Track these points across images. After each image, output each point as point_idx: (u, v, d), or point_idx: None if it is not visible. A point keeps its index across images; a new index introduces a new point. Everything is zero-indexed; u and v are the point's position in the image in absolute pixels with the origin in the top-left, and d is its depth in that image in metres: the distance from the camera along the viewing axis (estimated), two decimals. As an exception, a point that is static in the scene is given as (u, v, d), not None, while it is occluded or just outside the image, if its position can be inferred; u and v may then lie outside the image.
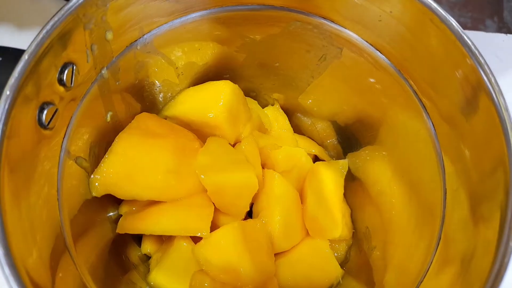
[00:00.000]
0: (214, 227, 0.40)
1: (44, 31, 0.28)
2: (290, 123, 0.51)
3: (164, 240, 0.43)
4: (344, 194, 0.47)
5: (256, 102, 0.49)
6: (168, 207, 0.40)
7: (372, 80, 0.40)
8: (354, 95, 0.44)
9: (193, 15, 0.38)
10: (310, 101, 0.48)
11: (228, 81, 0.44)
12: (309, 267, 0.44)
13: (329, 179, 0.46)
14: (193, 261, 0.40)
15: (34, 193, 0.30)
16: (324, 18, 0.38)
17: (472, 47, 0.31)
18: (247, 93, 0.47)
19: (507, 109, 0.29)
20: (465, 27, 0.32)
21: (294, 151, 0.47)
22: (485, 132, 0.31)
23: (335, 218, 0.44)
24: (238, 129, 0.44)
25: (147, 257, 0.45)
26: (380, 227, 0.45)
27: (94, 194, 0.38)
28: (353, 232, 0.47)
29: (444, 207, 0.35)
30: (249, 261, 0.39)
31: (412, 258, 0.38)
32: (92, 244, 0.38)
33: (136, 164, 0.38)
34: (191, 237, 0.40)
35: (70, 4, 0.29)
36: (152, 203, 0.40)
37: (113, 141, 0.40)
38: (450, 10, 0.31)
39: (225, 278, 0.38)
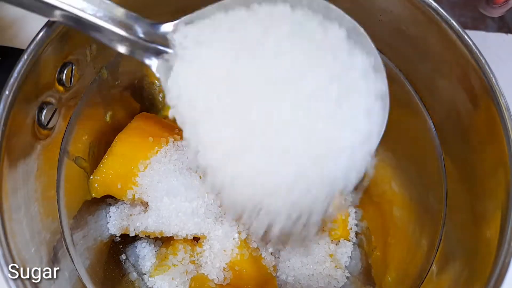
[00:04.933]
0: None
1: (44, 31, 0.28)
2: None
3: (164, 241, 0.43)
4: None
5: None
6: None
7: (372, 79, 0.40)
8: (354, 95, 0.44)
9: (193, 14, 0.38)
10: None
11: (228, 81, 0.43)
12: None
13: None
14: (193, 262, 0.40)
15: (34, 193, 0.30)
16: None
17: (473, 47, 0.30)
18: (247, 93, 0.47)
19: (508, 109, 0.29)
20: (465, 26, 0.32)
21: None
22: (486, 132, 0.31)
23: (336, 219, 0.44)
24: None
25: (147, 258, 0.45)
26: (381, 227, 0.44)
27: (93, 195, 0.38)
28: (353, 232, 0.47)
29: (445, 207, 0.35)
30: (249, 261, 0.39)
31: (413, 259, 0.38)
32: (92, 244, 0.38)
33: (136, 165, 0.38)
34: (192, 238, 0.40)
35: (70, 3, 0.29)
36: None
37: (112, 141, 0.39)
38: (450, 10, 0.31)
39: (226, 278, 0.38)
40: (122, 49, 0.28)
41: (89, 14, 0.26)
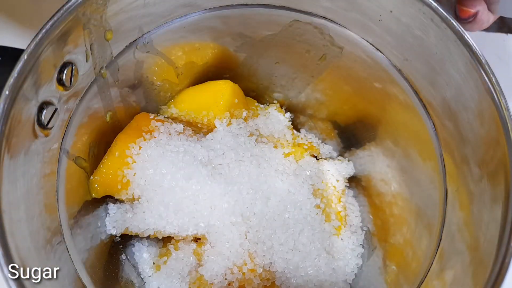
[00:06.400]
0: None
1: (44, 30, 0.28)
2: (290, 123, 0.51)
3: (164, 241, 0.43)
4: (345, 194, 0.47)
5: (256, 102, 0.49)
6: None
7: (372, 79, 0.40)
8: (354, 95, 0.44)
9: (193, 14, 0.38)
10: (310, 101, 0.48)
11: (228, 81, 0.43)
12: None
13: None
14: (194, 263, 0.40)
15: (33, 194, 0.30)
16: (324, 18, 0.38)
17: (473, 46, 0.30)
18: (247, 93, 0.47)
19: (508, 109, 0.29)
20: (465, 26, 0.32)
21: (294, 151, 0.47)
22: (486, 132, 0.31)
23: (337, 218, 0.44)
24: (237, 129, 0.44)
25: (147, 259, 0.45)
26: (380, 227, 0.44)
27: (94, 195, 0.38)
28: (354, 232, 0.47)
29: (445, 207, 0.35)
30: (250, 263, 0.39)
31: (413, 258, 0.38)
32: (92, 244, 0.38)
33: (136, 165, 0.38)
34: (192, 238, 0.40)
35: (70, 3, 0.29)
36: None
37: (112, 141, 0.40)
38: (450, 10, 0.31)
39: (227, 279, 0.38)
40: None
41: None
